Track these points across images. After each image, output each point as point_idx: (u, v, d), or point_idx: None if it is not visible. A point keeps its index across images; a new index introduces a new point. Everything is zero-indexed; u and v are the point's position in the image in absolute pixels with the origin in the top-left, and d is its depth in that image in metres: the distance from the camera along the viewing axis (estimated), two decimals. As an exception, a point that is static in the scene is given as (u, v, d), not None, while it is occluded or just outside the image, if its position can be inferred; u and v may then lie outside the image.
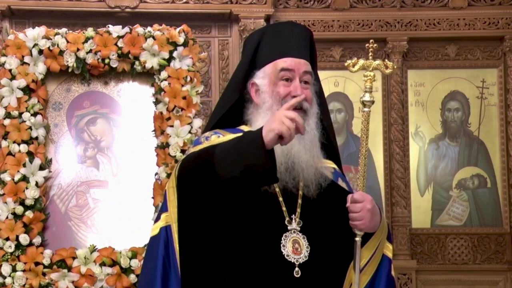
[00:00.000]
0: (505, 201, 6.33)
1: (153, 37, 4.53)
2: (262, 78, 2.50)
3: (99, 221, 4.46)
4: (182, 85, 4.47)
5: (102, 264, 4.27)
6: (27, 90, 4.43)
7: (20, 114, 4.40)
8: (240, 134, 2.32)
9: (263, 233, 2.36)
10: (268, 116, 2.41)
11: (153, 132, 4.51)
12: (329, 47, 6.35)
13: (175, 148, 4.37)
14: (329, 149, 2.57)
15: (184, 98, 4.45)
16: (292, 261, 2.34)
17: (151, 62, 4.51)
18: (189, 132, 4.43)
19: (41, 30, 4.54)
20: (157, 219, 2.44)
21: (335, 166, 2.60)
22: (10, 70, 4.43)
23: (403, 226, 6.20)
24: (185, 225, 2.37)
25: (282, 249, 2.34)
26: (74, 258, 4.27)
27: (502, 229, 6.33)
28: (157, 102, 4.52)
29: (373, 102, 2.53)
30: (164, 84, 4.46)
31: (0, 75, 4.43)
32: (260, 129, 2.20)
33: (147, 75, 4.59)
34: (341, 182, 2.60)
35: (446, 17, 6.37)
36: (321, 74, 5.98)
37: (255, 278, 2.31)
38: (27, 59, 4.46)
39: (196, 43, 4.66)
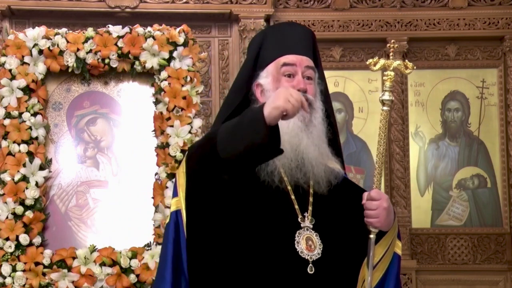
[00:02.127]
0: (505, 201, 6.33)
1: (153, 37, 4.53)
2: (265, 77, 2.51)
3: (99, 221, 4.46)
4: (182, 85, 4.47)
5: (102, 264, 4.27)
6: (27, 90, 4.43)
7: (20, 114, 4.40)
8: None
9: (277, 230, 2.37)
10: None
11: (153, 132, 4.51)
12: (329, 47, 6.34)
13: (175, 148, 4.37)
14: (334, 147, 2.59)
15: (184, 98, 4.45)
16: (306, 257, 2.36)
17: (151, 62, 4.51)
18: (189, 132, 4.43)
19: (41, 30, 4.54)
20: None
21: (340, 167, 2.62)
22: (10, 70, 4.43)
23: (403, 226, 6.19)
24: (193, 211, 2.39)
25: (296, 246, 2.36)
26: (74, 258, 4.27)
27: (502, 229, 6.32)
28: (157, 102, 4.52)
29: (392, 101, 2.57)
30: (164, 84, 4.46)
31: (0, 75, 4.43)
32: (261, 108, 2.17)
33: (147, 75, 4.59)
34: None
35: (446, 17, 6.36)
36: (321, 74, 6.07)
37: (270, 274, 2.32)
38: (27, 59, 4.46)
39: (196, 43, 4.66)
